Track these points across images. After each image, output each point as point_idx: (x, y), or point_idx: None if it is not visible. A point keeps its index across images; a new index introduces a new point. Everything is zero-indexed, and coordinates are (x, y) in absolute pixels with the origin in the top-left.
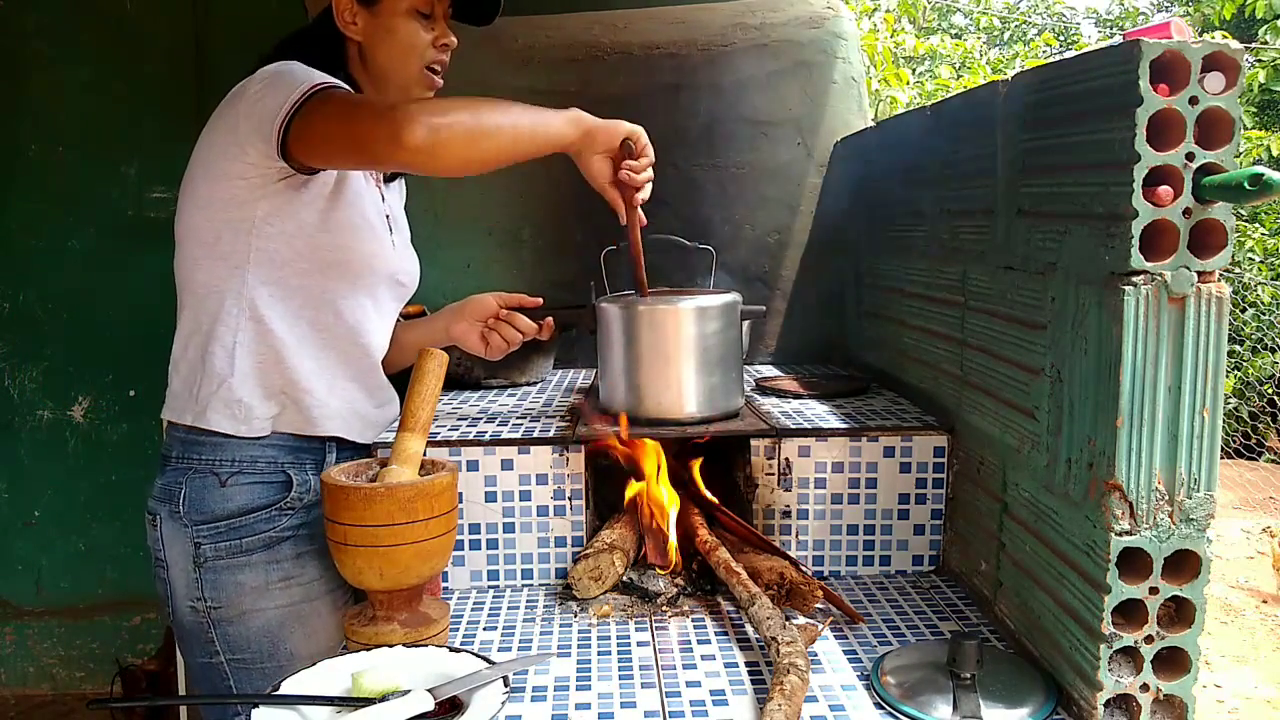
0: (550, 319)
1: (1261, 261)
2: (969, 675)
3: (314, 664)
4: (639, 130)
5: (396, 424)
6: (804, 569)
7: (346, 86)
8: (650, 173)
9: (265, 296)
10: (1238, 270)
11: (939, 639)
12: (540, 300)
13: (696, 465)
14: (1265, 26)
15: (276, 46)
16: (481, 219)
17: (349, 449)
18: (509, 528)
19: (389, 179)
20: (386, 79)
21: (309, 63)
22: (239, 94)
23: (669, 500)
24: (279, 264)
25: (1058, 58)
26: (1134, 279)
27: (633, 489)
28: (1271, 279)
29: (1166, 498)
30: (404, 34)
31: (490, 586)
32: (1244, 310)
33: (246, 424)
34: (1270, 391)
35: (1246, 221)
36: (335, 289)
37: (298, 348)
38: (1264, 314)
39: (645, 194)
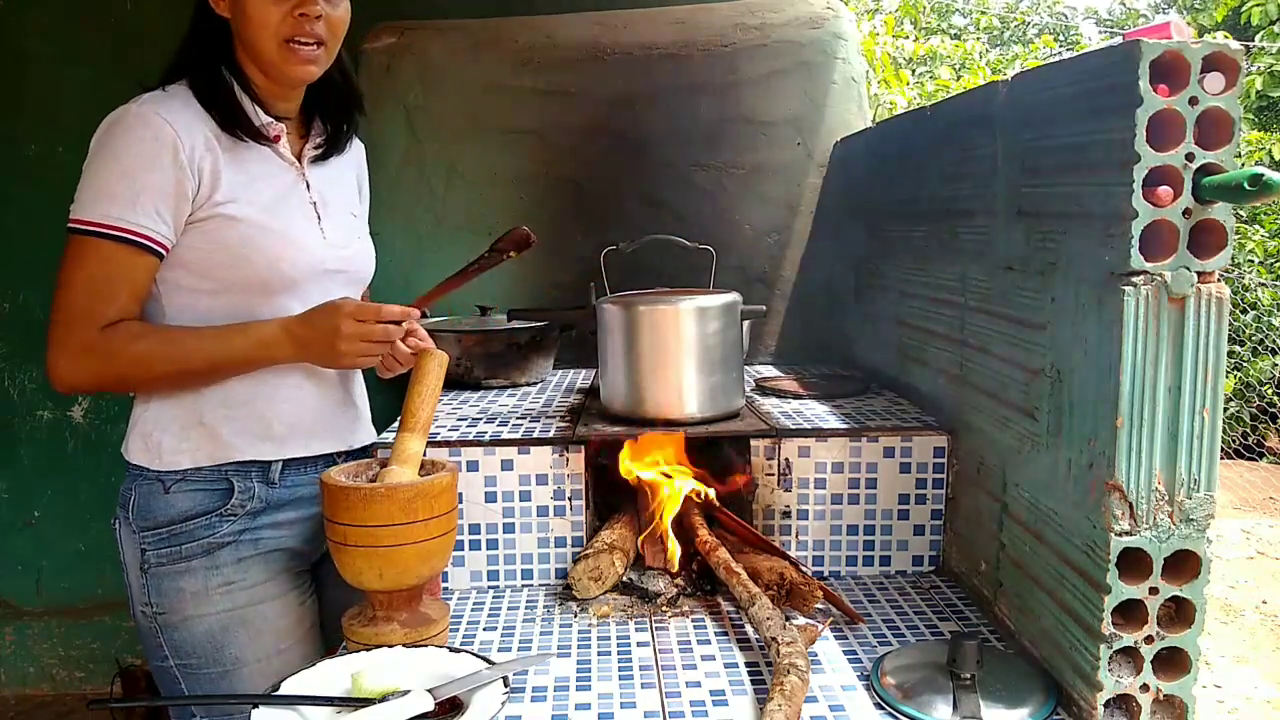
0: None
1: (1261, 263)
2: (969, 675)
3: (261, 667)
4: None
5: (398, 424)
6: (804, 569)
7: (123, 226)
8: (395, 328)
9: (183, 321)
10: (1237, 271)
11: (939, 639)
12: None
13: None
14: (1261, 32)
15: (180, 47)
16: (481, 219)
17: (299, 462)
18: (509, 528)
19: (319, 158)
20: (257, 56)
21: (198, 57)
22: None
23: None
24: (187, 289)
25: (1057, 58)
26: (1134, 279)
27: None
28: (1272, 280)
29: (1166, 498)
30: (252, 11)
31: (490, 587)
32: (1245, 312)
33: (158, 458)
34: (1270, 393)
35: (1246, 223)
36: (253, 302)
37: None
38: (1263, 315)
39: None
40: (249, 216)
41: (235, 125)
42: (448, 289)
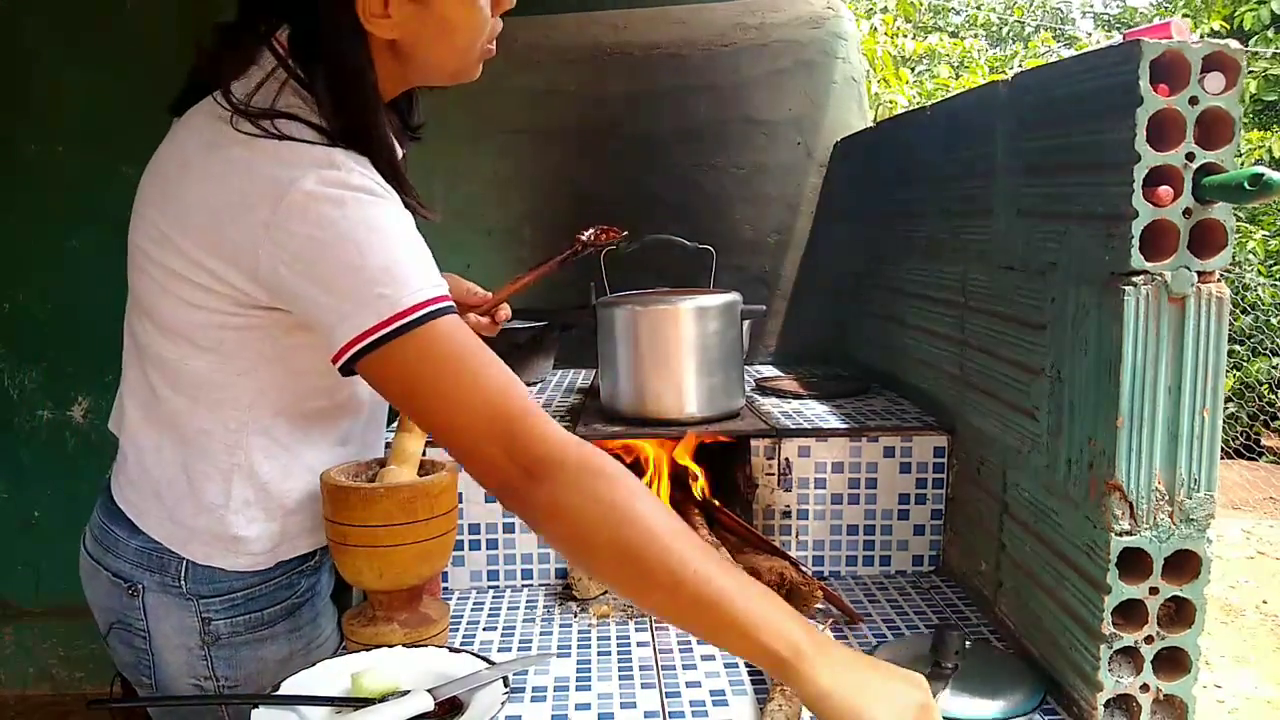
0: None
1: (1261, 263)
2: (950, 665)
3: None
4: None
5: (396, 424)
6: (804, 569)
7: (435, 293)
8: None
9: (283, 398)
10: (1237, 271)
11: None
12: (489, 295)
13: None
14: (1255, 37)
15: (331, 98)
16: (481, 219)
17: None
18: (509, 527)
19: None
20: (439, 69)
21: (368, 108)
22: (263, 198)
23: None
24: (305, 369)
25: (1058, 58)
26: (1134, 279)
27: None
28: (1271, 281)
29: (1167, 498)
30: (464, 20)
31: (490, 586)
32: (1245, 314)
33: (243, 559)
34: (1267, 392)
35: (1246, 223)
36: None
37: (301, 446)
38: (1261, 316)
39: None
40: None
41: (406, 192)
42: (544, 273)
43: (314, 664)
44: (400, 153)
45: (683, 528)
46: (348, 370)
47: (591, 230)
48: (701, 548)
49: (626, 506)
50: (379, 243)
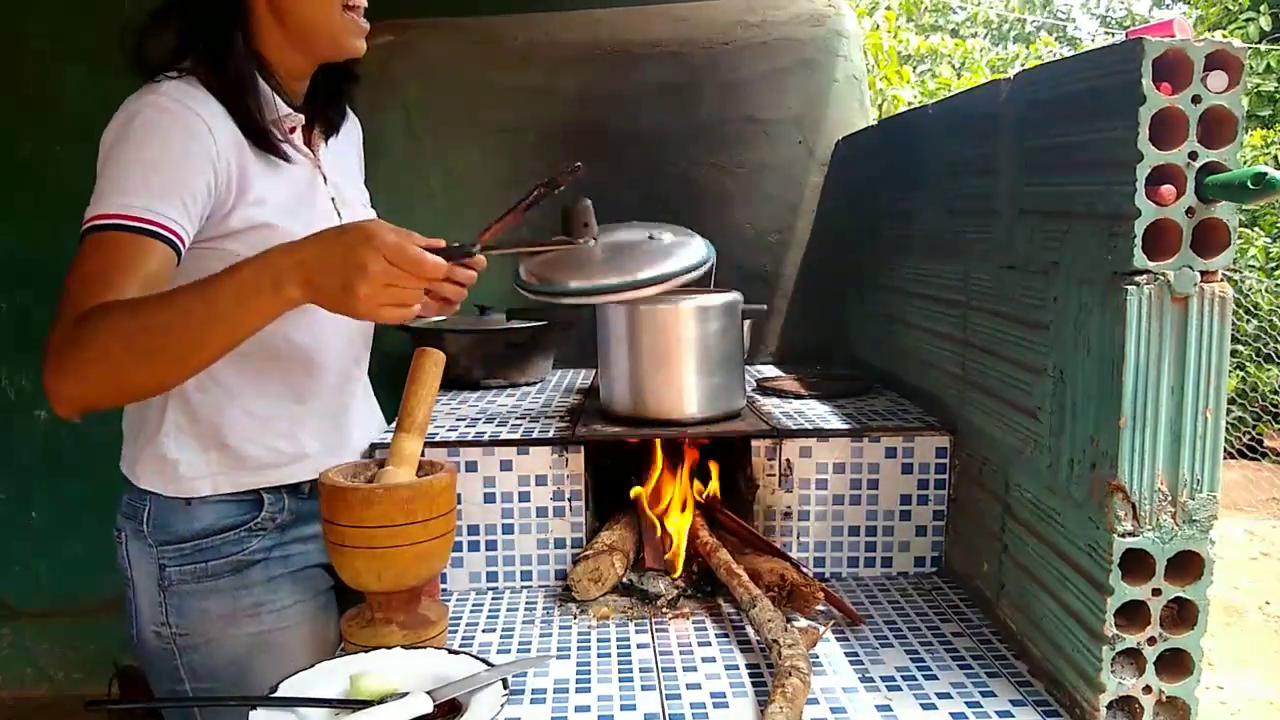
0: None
1: (1262, 268)
2: (579, 240)
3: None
4: (382, 243)
5: (394, 424)
6: (805, 570)
7: (142, 216)
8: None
9: None
10: (1239, 275)
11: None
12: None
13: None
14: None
15: (184, 24)
16: (481, 218)
17: None
18: (508, 529)
19: (324, 135)
20: (310, 30)
21: (214, 38)
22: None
23: (675, 505)
24: None
25: (1059, 57)
26: (1137, 278)
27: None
28: (1274, 283)
29: (1169, 498)
30: None
31: (489, 588)
32: (1248, 315)
33: (173, 483)
34: (1269, 392)
35: (1247, 227)
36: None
37: (244, 390)
38: (1264, 320)
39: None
40: (280, 224)
41: (259, 134)
42: (509, 222)
43: (267, 630)
44: (300, 120)
45: (146, 304)
46: None
47: (549, 176)
48: (160, 305)
49: (99, 340)
50: (143, 154)
